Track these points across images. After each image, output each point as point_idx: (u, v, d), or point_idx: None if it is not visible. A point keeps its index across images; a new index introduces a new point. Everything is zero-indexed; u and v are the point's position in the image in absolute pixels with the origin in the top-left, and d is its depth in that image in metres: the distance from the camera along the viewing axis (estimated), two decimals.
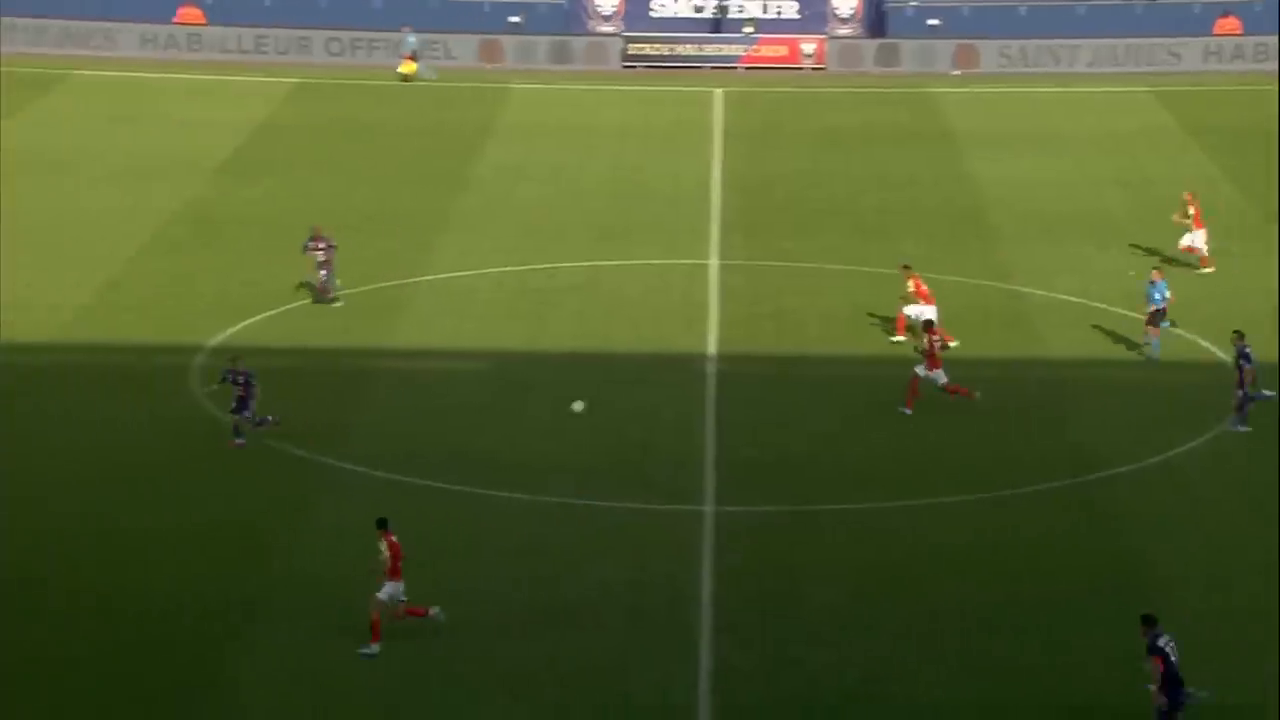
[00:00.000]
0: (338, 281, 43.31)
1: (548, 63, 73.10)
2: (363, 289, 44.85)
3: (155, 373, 39.26)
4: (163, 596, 29.28)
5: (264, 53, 72.28)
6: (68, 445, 35.36)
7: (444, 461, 34.80)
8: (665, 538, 32.13)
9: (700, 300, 44.90)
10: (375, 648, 27.44)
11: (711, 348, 41.70)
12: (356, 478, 34.24)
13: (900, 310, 41.29)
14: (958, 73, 72.03)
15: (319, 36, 72.53)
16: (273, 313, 43.05)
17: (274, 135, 61.30)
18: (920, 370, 37.20)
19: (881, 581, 30.20)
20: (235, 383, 34.97)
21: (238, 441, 35.08)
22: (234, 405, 34.97)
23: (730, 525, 32.56)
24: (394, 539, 27.84)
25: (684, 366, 40.41)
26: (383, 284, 45.52)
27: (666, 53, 73.62)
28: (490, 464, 34.72)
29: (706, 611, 29.22)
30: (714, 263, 48.04)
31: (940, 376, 37.08)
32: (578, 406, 28.70)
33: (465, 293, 45.40)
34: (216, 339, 41.23)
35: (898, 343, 41.14)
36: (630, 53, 73.72)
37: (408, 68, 69.51)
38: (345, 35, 72.86)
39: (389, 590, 27.66)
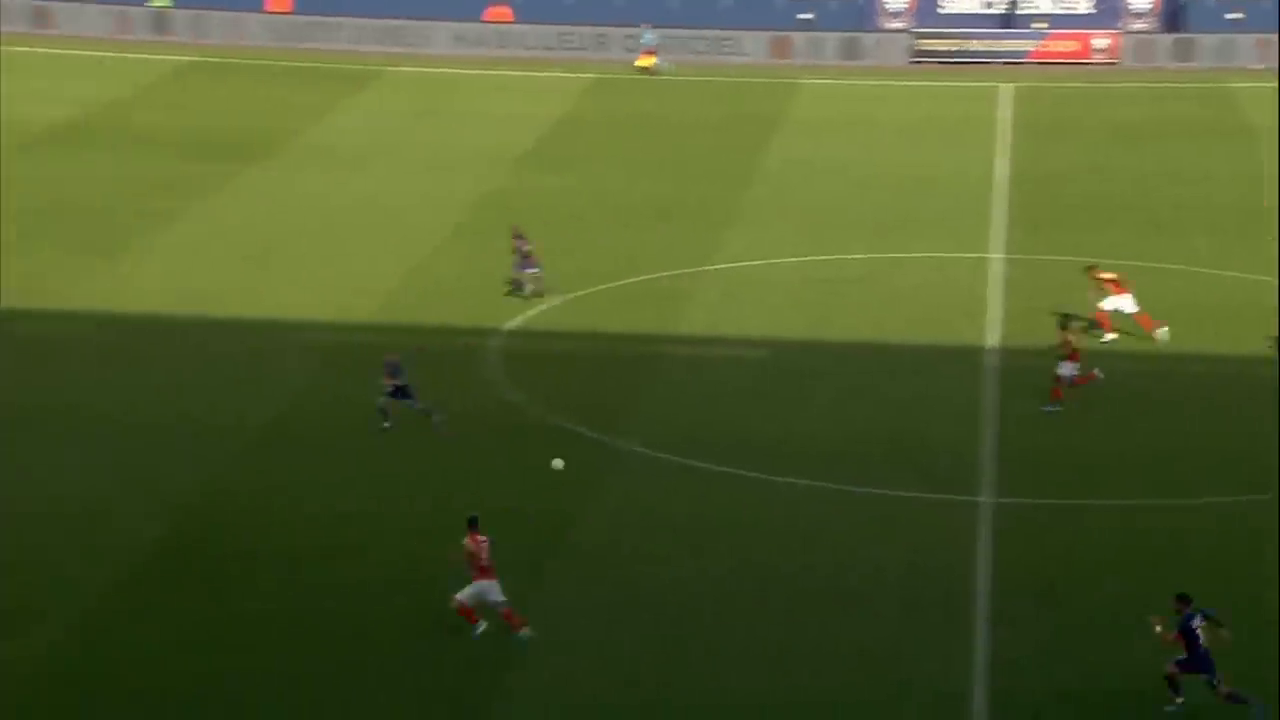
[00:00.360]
0: (539, 273, 42.63)
1: (837, 59, 72.40)
2: (652, 277, 44.85)
3: (454, 353, 39.72)
4: (459, 566, 29.54)
5: (566, 49, 72.91)
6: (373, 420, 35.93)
7: (726, 446, 34.50)
8: (942, 527, 31.42)
9: (981, 294, 43.83)
10: (482, 625, 27.06)
11: (991, 341, 40.65)
12: (640, 459, 34.15)
13: (1099, 308, 39.68)
14: (1260, 67, 69.01)
15: (616, 34, 72.89)
16: (568, 298, 43.25)
17: (572, 129, 61.73)
18: (1065, 369, 35.87)
19: (1159, 578, 28.95)
20: (393, 375, 34.83)
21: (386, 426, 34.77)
22: (390, 391, 34.68)
23: (1008, 516, 31.66)
24: (480, 539, 27.08)
25: (963, 359, 39.45)
26: (672, 273, 45.43)
27: (955, 49, 72.27)
28: (771, 450, 34.33)
29: (983, 601, 28.43)
30: (996, 257, 46.87)
31: (1071, 369, 35.79)
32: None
33: (751, 283, 45.05)
34: (512, 323, 41.59)
35: (1109, 341, 39.41)
36: (919, 49, 72.58)
37: (646, 61, 70.18)
38: (639, 33, 73.02)
39: (475, 589, 26.92)
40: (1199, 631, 24.25)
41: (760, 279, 45.34)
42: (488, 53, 73.22)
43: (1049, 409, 35.96)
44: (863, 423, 35.85)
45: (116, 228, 47.99)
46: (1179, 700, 24.82)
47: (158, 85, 66.00)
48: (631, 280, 44.11)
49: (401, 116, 63.25)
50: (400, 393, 34.58)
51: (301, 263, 45.92)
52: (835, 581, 29.29)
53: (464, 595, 27.04)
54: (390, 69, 70.56)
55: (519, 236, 43.04)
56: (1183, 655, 24.46)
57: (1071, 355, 36.04)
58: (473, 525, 27.12)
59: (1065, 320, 36.81)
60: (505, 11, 74.90)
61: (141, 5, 75.14)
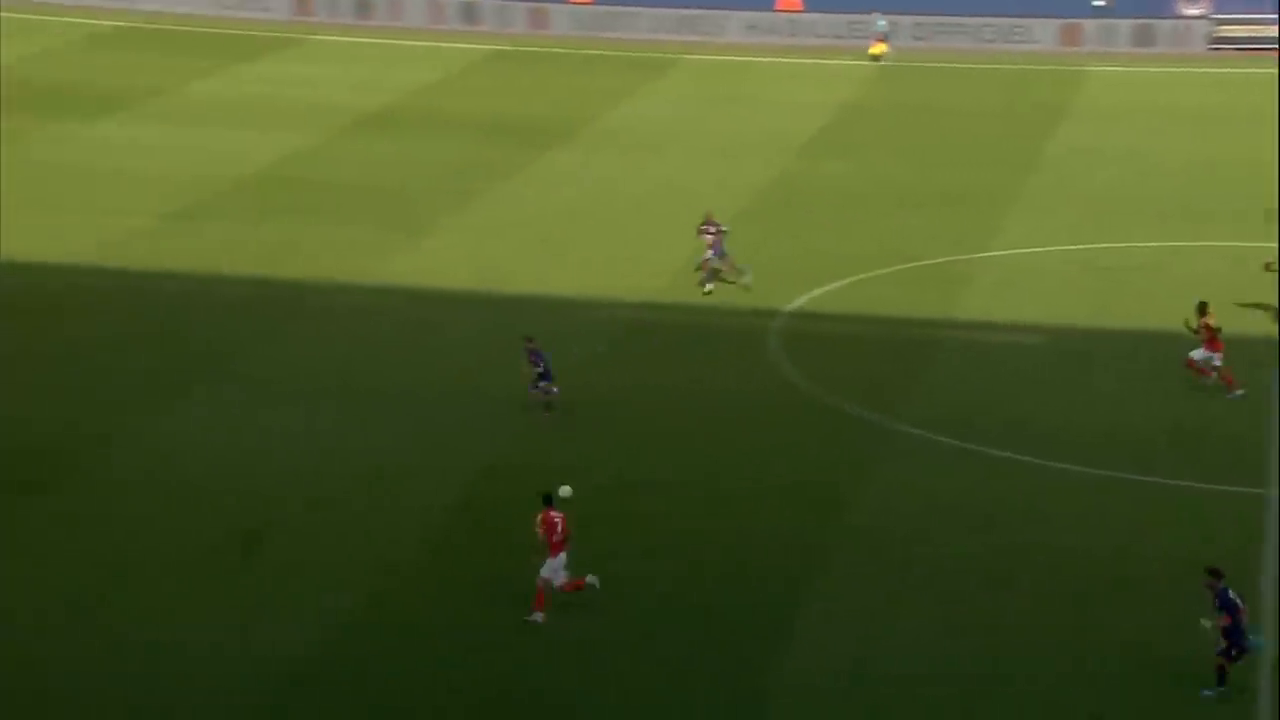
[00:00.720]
0: (733, 262, 41.77)
1: (1129, 46, 69.98)
2: (932, 262, 43.89)
3: (736, 332, 39.42)
4: (738, 540, 29.37)
5: (856, 37, 71.94)
6: (661, 399, 35.80)
7: (1003, 430, 33.57)
8: (1225, 518, 30.10)
9: (1270, 284, 41.69)
10: (539, 616, 26.33)
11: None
12: (916, 441, 33.39)
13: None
14: None
15: (906, 21, 71.61)
16: (848, 281, 42.57)
17: (858, 116, 60.83)
18: (1197, 354, 34.74)
19: None
20: (534, 361, 34.36)
21: (546, 413, 34.17)
22: (537, 379, 34.24)
23: None
24: (554, 516, 26.42)
25: (1249, 349, 37.56)
26: (952, 258, 44.37)
27: (1257, 34, 69.03)
28: (1048, 436, 33.31)
29: (1270, 595, 27.03)
30: None
31: (1204, 354, 34.86)
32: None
33: (1031, 269, 43.75)
34: (794, 304, 41.09)
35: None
36: (1218, 35, 69.61)
37: (877, 49, 69.21)
38: (929, 20, 71.82)
39: (551, 565, 26.37)
40: (1238, 601, 23.81)
41: (1040, 265, 44.00)
42: (779, 40, 72.73)
43: (1232, 396, 34.73)
44: (1143, 411, 34.56)
45: (422, 207, 48.85)
46: (1222, 689, 24.25)
47: (466, 73, 67.10)
48: (912, 265, 43.22)
49: (695, 103, 63.11)
50: (543, 377, 34.24)
51: (594, 243, 46.12)
52: (1114, 568, 28.37)
53: (545, 572, 26.44)
54: (686, 57, 70.52)
55: (709, 223, 42.30)
56: (1224, 644, 23.93)
57: (1212, 342, 34.84)
58: (547, 503, 26.68)
59: (1203, 306, 35.38)
60: (796, 0, 74.30)
61: None
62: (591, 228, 47.63)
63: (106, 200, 48.26)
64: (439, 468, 32.11)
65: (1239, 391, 34.95)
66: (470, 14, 76.05)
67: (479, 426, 34.01)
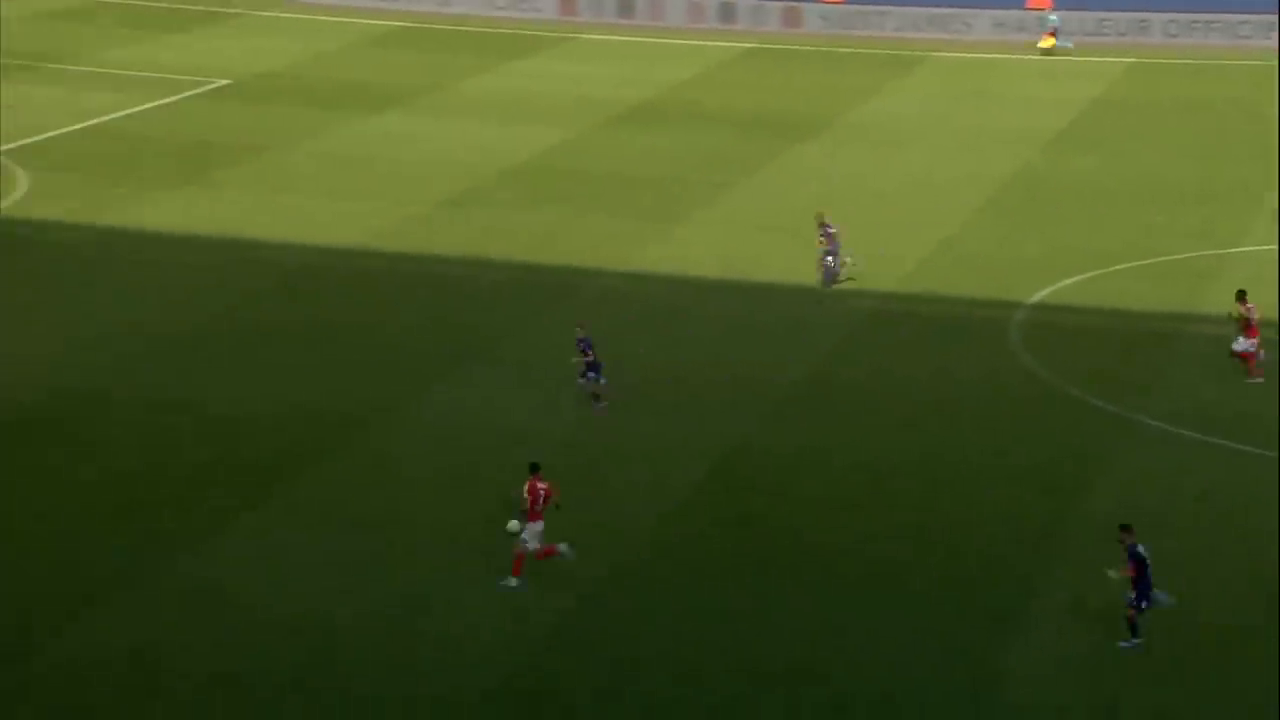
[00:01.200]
0: (846, 260, 40.78)
1: None
2: (1179, 257, 42.47)
3: (978, 323, 38.72)
4: (977, 524, 28.90)
5: (1104, 34, 69.99)
6: (903, 385, 35.35)
7: (1245, 424, 32.44)
8: None
9: None
10: (514, 581, 26.57)
11: None
12: (1157, 432, 32.42)
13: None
14: None
15: (1158, 19, 69.44)
16: (1092, 274, 41.47)
17: (1107, 111, 59.16)
18: (1240, 343, 34.22)
19: None
20: (584, 350, 33.61)
21: (599, 407, 33.38)
22: (583, 370, 33.52)
23: None
24: (539, 485, 26.51)
25: None
26: (1199, 253, 42.87)
27: None
28: None
29: None
30: None
31: (1244, 343, 34.32)
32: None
33: None
34: (1036, 297, 40.16)
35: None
36: None
37: (1047, 42, 67.88)
38: (1183, 18, 69.51)
39: (531, 530, 26.52)
40: (1145, 555, 24.41)
41: None
42: (1028, 38, 71.12)
43: (1253, 380, 34.17)
44: None
45: (677, 198, 48.99)
46: (1137, 640, 24.69)
47: (721, 69, 67.08)
48: (1157, 260, 41.86)
49: (941, 99, 62.09)
50: (592, 368, 33.59)
51: (839, 234, 45.53)
52: None
53: (534, 543, 26.65)
54: (933, 54, 69.42)
55: (824, 224, 41.28)
56: (1132, 594, 24.55)
57: (1249, 330, 33.96)
58: (535, 470, 26.87)
59: (1242, 295, 34.75)
60: None
61: None
62: (837, 219, 47.08)
63: (386, 189, 49.47)
64: (686, 446, 32.18)
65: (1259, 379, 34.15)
66: (727, 13, 76.04)
67: (725, 408, 33.99)
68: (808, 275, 42.01)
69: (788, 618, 26.11)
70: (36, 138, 53.36)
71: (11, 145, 52.12)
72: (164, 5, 75.90)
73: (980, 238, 45.19)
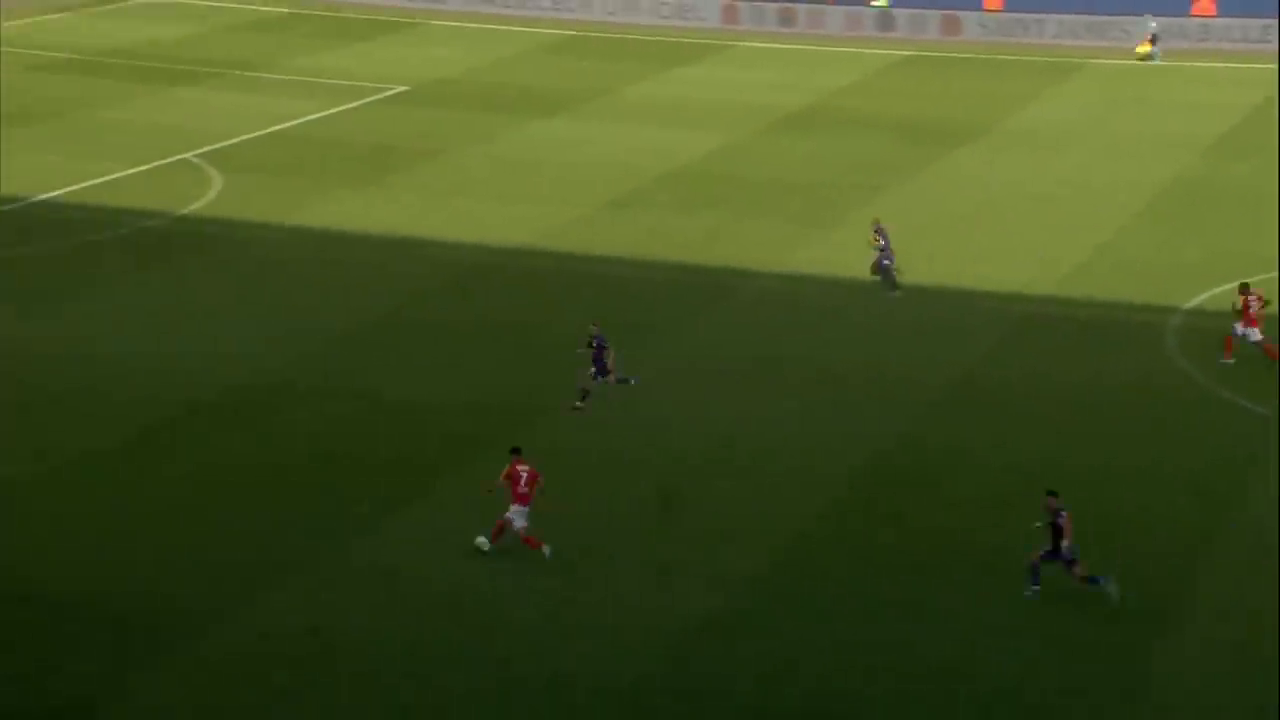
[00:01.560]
0: (896, 267, 39.90)
1: None
2: None
3: (1134, 327, 37.80)
4: (1130, 525, 28.30)
5: (1268, 41, 67.97)
6: (1058, 388, 34.60)
7: None
8: None
9: None
10: (484, 541, 27.05)
11: None
12: None
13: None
14: None
15: None
16: (1250, 279, 40.09)
17: (1268, 116, 57.35)
18: (1238, 329, 34.21)
19: None
20: (591, 346, 32.87)
21: (578, 405, 32.85)
22: (594, 370, 32.95)
23: None
24: (520, 468, 26.75)
25: None
26: None
27: None
28: None
29: None
30: None
31: (1255, 334, 34.19)
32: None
33: None
34: (1193, 302, 39.10)
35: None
36: None
37: (1143, 48, 66.81)
38: None
39: (516, 510, 26.84)
40: (1064, 525, 25.37)
41: None
42: (1189, 45, 69.37)
43: (1223, 362, 34.47)
44: None
45: (831, 202, 48.56)
46: (1035, 588, 25.65)
47: (880, 76, 66.40)
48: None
49: (1100, 105, 60.80)
50: (598, 366, 33.06)
51: (995, 237, 44.98)
52: None
53: (519, 522, 26.94)
54: (1092, 61, 68.03)
55: (879, 230, 40.25)
56: (1048, 547, 25.60)
57: (1250, 320, 34.10)
58: (516, 453, 27.10)
59: (1245, 286, 34.92)
60: (1209, 5, 70.68)
61: (866, 6, 76.02)
62: (994, 224, 46.44)
63: (553, 191, 49.74)
64: (839, 444, 31.85)
65: (1229, 360, 34.48)
66: (886, 22, 75.30)
67: (878, 407, 33.59)
68: (964, 278, 41.39)
69: (938, 615, 25.70)
70: (230, 141, 54.60)
71: (207, 148, 53.43)
72: (351, 15, 77.33)
73: (1138, 242, 44.12)
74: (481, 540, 27.41)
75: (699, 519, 28.98)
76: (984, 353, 36.58)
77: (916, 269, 42.06)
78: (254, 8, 78.45)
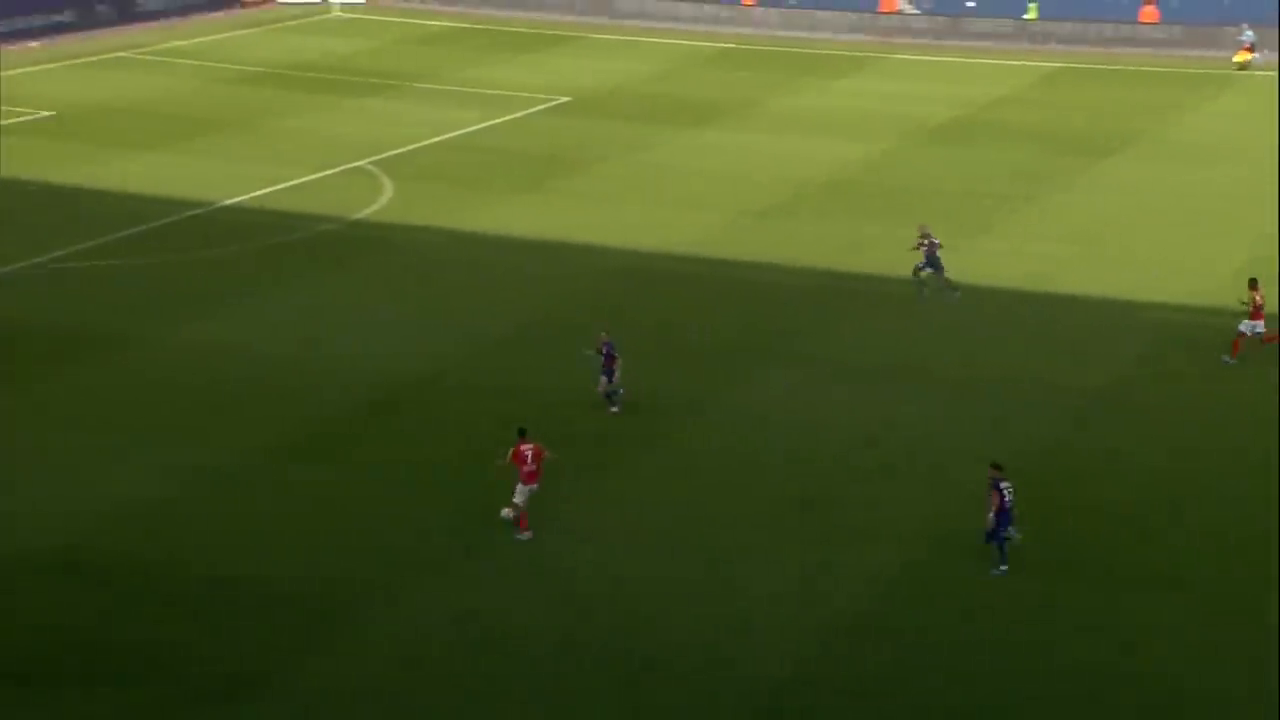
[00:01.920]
0: (947, 277, 38.95)
1: None
2: None
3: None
4: (1274, 532, 27.46)
5: None
6: (1203, 394, 33.71)
7: None
8: None
9: None
10: (526, 534, 27.23)
11: None
12: None
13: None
14: None
15: None
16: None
17: None
18: (1244, 326, 34.30)
19: None
20: (602, 353, 32.07)
21: (613, 410, 32.27)
22: (604, 378, 32.18)
23: None
24: (525, 449, 26.97)
25: None
26: None
27: None
28: None
29: None
30: None
31: (1259, 326, 34.49)
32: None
33: None
34: None
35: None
36: None
37: (1242, 57, 65.88)
38: None
39: (520, 490, 26.96)
40: (1005, 491, 26.27)
41: None
42: None
43: (1227, 360, 34.37)
44: None
45: (981, 211, 47.88)
46: (1004, 567, 26.22)
47: (1032, 88, 65.35)
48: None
49: (1253, 117, 59.22)
50: (608, 372, 32.44)
51: (1143, 247, 44.02)
52: None
53: (517, 497, 27.03)
54: (1246, 73, 66.25)
55: (926, 235, 39.00)
56: (994, 509, 26.23)
57: (1256, 314, 34.12)
58: (522, 435, 27.24)
59: (1253, 282, 34.77)
60: None
61: (1019, 18, 74.99)
62: (1141, 233, 45.43)
63: (704, 198, 49.72)
64: (985, 448, 31.29)
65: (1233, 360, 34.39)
66: (1040, 35, 74.21)
67: (1025, 413, 33.01)
68: (1109, 287, 40.56)
69: (1078, 617, 25.14)
70: (402, 149, 55.51)
71: (381, 156, 54.40)
72: (518, 29, 78.23)
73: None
74: (523, 535, 27.59)
75: (844, 518, 28.75)
76: (1133, 359, 35.76)
77: (1065, 277, 41.33)
78: (427, 23, 79.75)
